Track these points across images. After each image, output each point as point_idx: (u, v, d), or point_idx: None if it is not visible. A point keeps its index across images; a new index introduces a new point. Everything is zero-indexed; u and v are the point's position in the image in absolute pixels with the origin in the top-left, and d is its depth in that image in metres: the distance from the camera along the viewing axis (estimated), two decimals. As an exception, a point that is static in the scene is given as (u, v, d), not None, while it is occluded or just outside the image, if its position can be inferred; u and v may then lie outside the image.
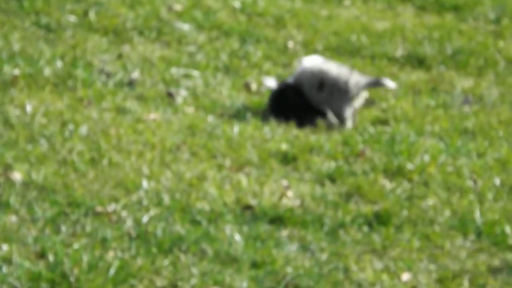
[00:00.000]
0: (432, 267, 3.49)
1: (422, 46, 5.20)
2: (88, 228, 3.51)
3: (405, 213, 3.74)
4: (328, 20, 5.52)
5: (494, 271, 3.40)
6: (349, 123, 4.44)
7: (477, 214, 3.72)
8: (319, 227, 3.65)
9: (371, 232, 3.65)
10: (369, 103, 4.65)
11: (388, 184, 3.94)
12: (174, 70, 4.90)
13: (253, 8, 5.60)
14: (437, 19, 5.57)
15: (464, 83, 4.89)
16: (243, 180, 3.91)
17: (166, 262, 3.37)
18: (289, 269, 3.37)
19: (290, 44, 5.28)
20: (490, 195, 3.86)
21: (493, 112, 4.58)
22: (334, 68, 4.50)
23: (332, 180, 3.97)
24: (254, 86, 4.82)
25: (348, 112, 4.46)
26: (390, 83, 4.55)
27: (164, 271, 3.32)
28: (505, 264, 3.43)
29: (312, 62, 4.57)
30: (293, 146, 4.17)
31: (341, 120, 4.45)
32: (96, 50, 5.00)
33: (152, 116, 4.43)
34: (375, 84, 4.58)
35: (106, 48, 5.06)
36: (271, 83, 4.60)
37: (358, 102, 4.54)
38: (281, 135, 4.29)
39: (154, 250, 3.42)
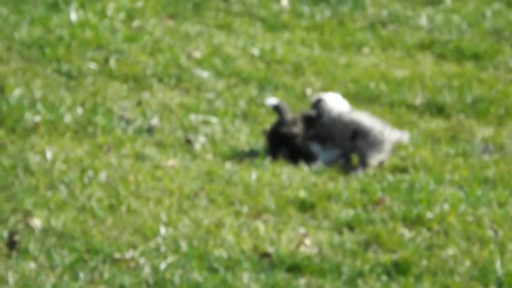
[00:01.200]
0: (453, 318, 3.45)
1: (442, 94, 5.20)
2: (106, 275, 3.49)
3: (424, 262, 3.70)
4: (347, 67, 5.54)
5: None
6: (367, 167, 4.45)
7: (498, 265, 3.67)
8: (337, 276, 3.61)
9: (390, 281, 3.61)
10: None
11: (407, 233, 3.91)
12: (193, 117, 4.92)
13: (271, 55, 5.64)
14: (457, 67, 5.58)
15: (484, 131, 4.87)
16: (261, 227, 3.89)
17: (182, 310, 3.34)
18: (306, 319, 3.34)
19: (309, 91, 5.30)
20: (511, 246, 3.82)
21: (513, 161, 4.56)
22: (366, 119, 4.52)
23: (351, 228, 3.94)
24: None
25: (373, 160, 4.47)
26: (405, 136, 4.55)
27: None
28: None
29: (335, 102, 4.59)
30: (311, 194, 4.16)
31: (364, 165, 4.46)
32: (116, 97, 5.04)
33: (171, 162, 4.44)
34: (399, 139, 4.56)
35: (126, 95, 5.10)
36: (272, 101, 4.61)
37: (386, 154, 4.54)
38: (299, 182, 4.28)
39: (175, 298, 3.40)
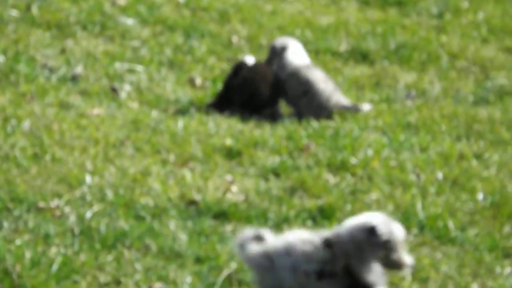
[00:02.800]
0: (375, 260, 3.52)
1: (366, 41, 5.24)
2: (31, 224, 3.46)
3: (348, 207, 3.77)
4: (272, 15, 5.53)
5: (436, 264, 3.45)
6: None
7: (419, 208, 3.77)
8: (263, 221, 3.66)
9: (315, 226, 3.67)
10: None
11: (332, 179, 3.96)
12: (118, 65, 4.85)
13: (197, 2, 5.58)
14: (381, 14, 5.62)
15: (407, 77, 4.94)
16: (188, 175, 3.90)
17: (109, 258, 3.34)
18: (233, 264, 3.38)
19: (235, 39, 5.27)
20: (432, 189, 3.91)
21: (435, 107, 4.64)
22: (319, 82, 4.49)
23: (277, 175, 3.98)
24: (198, 81, 4.81)
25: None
26: (366, 107, 4.56)
27: (107, 267, 3.30)
28: (447, 258, 3.49)
29: (296, 53, 4.46)
30: (237, 141, 4.17)
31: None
32: (38, 45, 4.93)
33: (96, 111, 4.39)
34: (353, 109, 4.55)
35: (49, 42, 4.99)
36: (250, 60, 4.57)
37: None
38: (226, 130, 4.28)
39: (98, 246, 3.39)
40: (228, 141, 4.16)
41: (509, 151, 4.21)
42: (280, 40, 4.60)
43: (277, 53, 4.56)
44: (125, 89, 4.65)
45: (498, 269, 3.45)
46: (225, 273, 3.30)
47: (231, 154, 4.10)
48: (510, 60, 5.06)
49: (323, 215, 3.72)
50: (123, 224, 3.53)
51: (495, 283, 3.38)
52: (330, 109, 4.50)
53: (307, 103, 4.51)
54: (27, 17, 5.16)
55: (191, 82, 4.77)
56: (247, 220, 3.66)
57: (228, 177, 3.91)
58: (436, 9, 5.57)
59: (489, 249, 3.53)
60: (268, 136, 4.25)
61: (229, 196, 3.79)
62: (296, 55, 4.56)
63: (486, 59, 5.05)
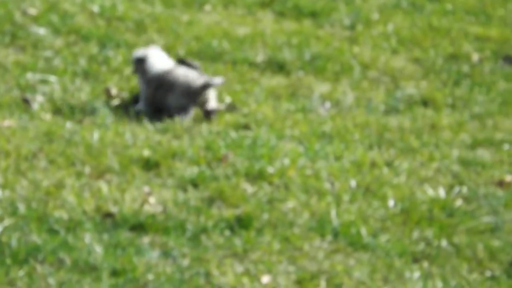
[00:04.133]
0: (291, 268, 3.55)
1: (282, 52, 5.29)
2: None
3: (265, 216, 3.79)
4: (189, 25, 5.52)
5: (349, 270, 3.50)
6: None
7: (333, 216, 3.81)
8: (181, 232, 3.64)
9: (232, 236, 3.67)
10: (231, 108, 4.69)
11: (249, 188, 3.98)
12: (29, 76, 4.76)
13: (112, 12, 5.53)
14: (296, 25, 5.68)
15: (322, 87, 5.00)
16: (104, 187, 3.84)
17: (21, 273, 3.26)
18: (150, 276, 3.34)
19: (151, 49, 5.24)
20: (346, 197, 3.97)
21: (348, 116, 4.71)
22: (172, 72, 4.57)
23: (195, 185, 3.97)
24: (114, 91, 4.75)
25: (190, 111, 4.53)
26: (217, 80, 4.62)
27: (19, 283, 3.22)
28: (360, 264, 3.54)
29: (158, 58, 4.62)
30: (155, 152, 4.14)
31: (186, 115, 4.53)
32: None
33: (7, 123, 4.29)
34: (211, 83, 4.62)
35: (-44, 53, 4.86)
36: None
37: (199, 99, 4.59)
38: (143, 141, 4.25)
39: (9, 261, 3.30)
40: (146, 152, 4.13)
41: (418, 159, 4.31)
42: (140, 52, 4.64)
43: (139, 63, 4.61)
44: (38, 100, 4.56)
45: (407, 274, 3.52)
46: (146, 287, 3.26)
47: (149, 165, 4.07)
48: (419, 70, 5.19)
49: (240, 225, 3.73)
50: (35, 238, 3.45)
51: (405, 287, 3.44)
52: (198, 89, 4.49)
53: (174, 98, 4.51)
54: None
55: (107, 92, 4.72)
56: (165, 231, 3.64)
57: (146, 189, 3.88)
58: (349, 20, 5.66)
59: (399, 254, 3.60)
60: (186, 146, 4.24)
61: (146, 207, 3.75)
62: (158, 61, 4.58)
63: (396, 69, 5.17)
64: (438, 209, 3.91)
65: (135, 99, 4.66)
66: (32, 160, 3.97)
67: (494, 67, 5.19)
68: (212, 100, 4.61)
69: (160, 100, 4.58)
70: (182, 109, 4.53)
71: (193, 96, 4.53)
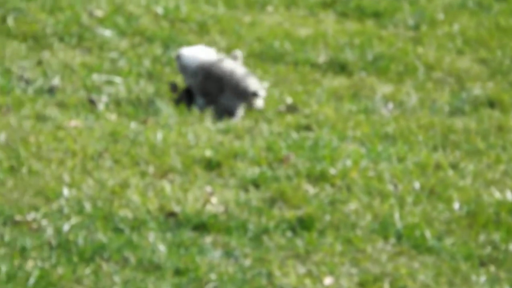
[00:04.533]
0: (354, 270, 3.54)
1: (344, 53, 5.27)
2: (7, 237, 3.43)
3: (327, 217, 3.78)
4: (251, 26, 5.54)
5: (413, 273, 3.47)
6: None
7: (397, 218, 3.78)
8: (243, 233, 3.65)
9: (294, 237, 3.67)
10: (292, 109, 4.69)
11: (311, 189, 3.97)
12: (95, 77, 4.84)
13: (175, 14, 5.58)
14: (358, 25, 5.65)
15: (385, 88, 4.97)
16: (167, 187, 3.89)
17: (87, 271, 3.32)
18: (212, 276, 3.37)
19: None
20: (409, 199, 3.93)
21: (412, 117, 4.67)
22: (231, 70, 4.61)
23: (256, 185, 3.98)
24: (181, 89, 4.80)
25: (240, 111, 4.59)
26: (263, 90, 4.65)
27: (85, 280, 3.28)
28: (424, 267, 3.50)
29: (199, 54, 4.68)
30: (217, 152, 4.17)
31: (232, 115, 4.58)
32: (14, 57, 4.91)
33: (73, 123, 4.37)
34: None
35: (25, 54, 4.97)
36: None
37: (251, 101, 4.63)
38: (205, 141, 4.28)
39: (75, 259, 3.37)
40: (208, 153, 4.16)
41: (484, 161, 4.25)
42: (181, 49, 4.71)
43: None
44: (103, 101, 4.64)
45: (474, 278, 3.47)
46: (208, 286, 3.29)
47: (211, 165, 4.10)
48: (485, 71, 5.11)
49: (302, 226, 3.73)
50: (101, 236, 3.51)
51: (472, 292, 3.39)
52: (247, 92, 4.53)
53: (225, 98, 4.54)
54: (2, 28, 5.14)
55: (173, 89, 4.76)
56: (227, 231, 3.66)
57: (208, 189, 3.91)
58: (413, 20, 5.61)
59: (465, 258, 3.56)
60: (247, 147, 4.26)
61: (208, 207, 3.78)
62: (201, 54, 4.65)
63: (462, 70, 5.10)
64: (505, 212, 3.85)
65: (183, 97, 4.70)
66: (97, 159, 4.04)
67: None
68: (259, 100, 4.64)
69: (209, 91, 4.62)
70: (231, 108, 4.58)
71: (243, 99, 4.58)
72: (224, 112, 4.58)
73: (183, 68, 4.69)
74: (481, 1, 5.80)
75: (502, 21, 5.56)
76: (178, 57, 4.70)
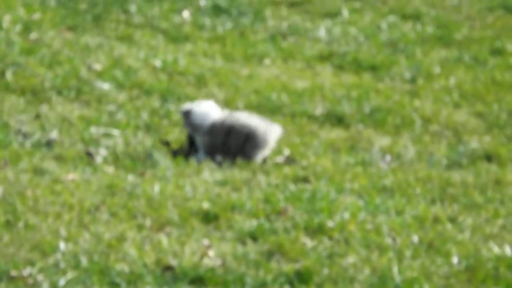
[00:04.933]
0: (353, 325, 3.50)
1: (341, 105, 5.29)
2: (2, 293, 3.40)
3: (326, 271, 3.75)
4: (249, 79, 5.58)
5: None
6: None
7: (395, 272, 3.75)
8: (241, 286, 3.62)
9: (293, 291, 3.64)
10: (290, 161, 4.70)
11: (309, 242, 3.95)
12: (93, 130, 4.85)
13: (174, 67, 5.62)
14: (355, 78, 5.69)
15: (382, 141, 4.98)
16: (164, 240, 3.87)
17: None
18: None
19: (212, 103, 5.30)
20: (408, 253, 3.91)
21: (410, 170, 4.67)
22: (250, 120, 4.69)
23: (254, 238, 3.96)
24: (175, 145, 4.81)
25: (258, 158, 4.64)
26: (278, 128, 4.70)
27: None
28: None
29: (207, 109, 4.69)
30: (214, 205, 4.16)
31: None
32: (12, 111, 4.93)
33: (71, 176, 4.36)
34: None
35: (23, 108, 4.99)
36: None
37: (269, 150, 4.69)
38: (203, 194, 4.28)
39: (71, 314, 3.33)
40: (205, 205, 4.15)
41: (482, 215, 4.23)
42: (186, 105, 4.76)
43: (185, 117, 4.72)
44: (101, 154, 4.64)
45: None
46: None
47: (208, 218, 4.08)
48: (482, 125, 5.13)
49: (300, 279, 3.70)
50: (97, 291, 3.48)
51: None
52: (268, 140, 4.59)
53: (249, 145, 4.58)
54: (1, 83, 5.17)
55: (168, 146, 4.78)
56: (224, 285, 3.63)
57: (205, 242, 3.89)
58: (409, 74, 5.65)
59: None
60: (245, 199, 4.25)
61: (206, 260, 3.76)
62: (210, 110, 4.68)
63: (459, 123, 5.12)
64: (504, 267, 3.82)
65: (187, 150, 4.73)
66: (94, 213, 4.03)
67: (559, 121, 5.10)
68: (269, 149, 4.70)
69: (229, 147, 4.64)
70: (253, 155, 4.62)
71: (266, 146, 4.63)
72: (238, 160, 4.60)
73: (194, 125, 4.70)
74: (477, 55, 5.85)
75: (498, 76, 5.60)
76: (188, 114, 4.70)
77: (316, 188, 4.40)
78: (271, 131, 4.68)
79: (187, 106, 4.79)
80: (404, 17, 6.37)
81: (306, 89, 5.48)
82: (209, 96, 5.33)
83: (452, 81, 5.57)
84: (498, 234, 4.07)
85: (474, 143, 4.89)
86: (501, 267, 3.83)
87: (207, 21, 6.24)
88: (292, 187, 4.43)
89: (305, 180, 4.54)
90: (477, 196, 4.38)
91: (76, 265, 3.63)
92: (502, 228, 4.11)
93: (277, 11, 6.48)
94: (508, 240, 4.03)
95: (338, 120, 5.17)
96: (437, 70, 5.70)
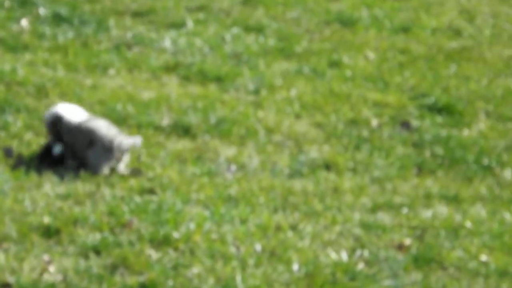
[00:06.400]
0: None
1: (187, 116, 5.28)
2: None
3: (170, 282, 3.71)
4: (93, 89, 5.47)
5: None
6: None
7: (239, 281, 3.77)
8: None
9: (136, 304, 3.57)
10: (135, 172, 4.63)
11: (154, 254, 3.90)
12: None
13: (12, 76, 5.43)
14: (201, 89, 5.70)
15: (228, 151, 5.00)
16: (1, 256, 3.70)
17: None
18: None
19: (53, 113, 5.14)
20: (251, 261, 3.94)
21: (254, 180, 4.72)
22: (100, 128, 4.58)
23: (97, 252, 3.86)
24: (15, 158, 4.63)
25: (105, 168, 4.55)
26: (137, 141, 4.66)
27: None
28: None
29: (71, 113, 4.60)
30: (56, 219, 4.03)
31: (96, 172, 4.53)
32: None
33: None
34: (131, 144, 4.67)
35: None
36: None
37: (118, 162, 4.63)
38: (43, 208, 4.13)
39: None
40: (46, 219, 4.01)
41: (321, 222, 4.33)
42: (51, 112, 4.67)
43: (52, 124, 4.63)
44: None
45: None
46: None
47: (49, 232, 3.95)
48: (321, 135, 5.26)
49: (145, 292, 3.64)
50: None
51: None
52: (116, 151, 4.54)
53: (94, 151, 4.49)
54: None
55: (8, 154, 4.58)
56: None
57: (45, 257, 3.76)
58: (253, 85, 5.73)
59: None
60: (88, 212, 4.14)
61: (46, 276, 3.63)
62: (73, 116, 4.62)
63: (300, 133, 5.23)
64: (341, 273, 3.92)
65: (42, 156, 4.59)
66: None
67: (392, 132, 5.31)
68: (123, 162, 4.62)
69: (79, 152, 4.52)
70: (100, 164, 4.51)
71: (117, 154, 4.54)
72: (88, 167, 4.49)
73: (59, 128, 4.56)
74: (316, 68, 6.01)
75: (336, 87, 5.78)
76: (55, 118, 4.55)
77: (162, 200, 4.36)
78: (120, 142, 4.59)
79: (53, 111, 4.65)
80: (247, 29, 6.45)
81: (152, 99, 5.43)
82: (50, 107, 5.17)
83: (293, 92, 5.69)
84: (336, 241, 4.17)
85: (313, 153, 5.01)
86: (338, 273, 3.92)
87: (47, 30, 6.07)
88: (137, 199, 4.36)
89: (151, 191, 4.48)
90: (316, 204, 4.48)
91: None
92: (340, 235, 4.22)
93: (121, 21, 6.39)
94: (345, 246, 4.14)
95: (184, 131, 5.16)
96: (279, 81, 5.81)
